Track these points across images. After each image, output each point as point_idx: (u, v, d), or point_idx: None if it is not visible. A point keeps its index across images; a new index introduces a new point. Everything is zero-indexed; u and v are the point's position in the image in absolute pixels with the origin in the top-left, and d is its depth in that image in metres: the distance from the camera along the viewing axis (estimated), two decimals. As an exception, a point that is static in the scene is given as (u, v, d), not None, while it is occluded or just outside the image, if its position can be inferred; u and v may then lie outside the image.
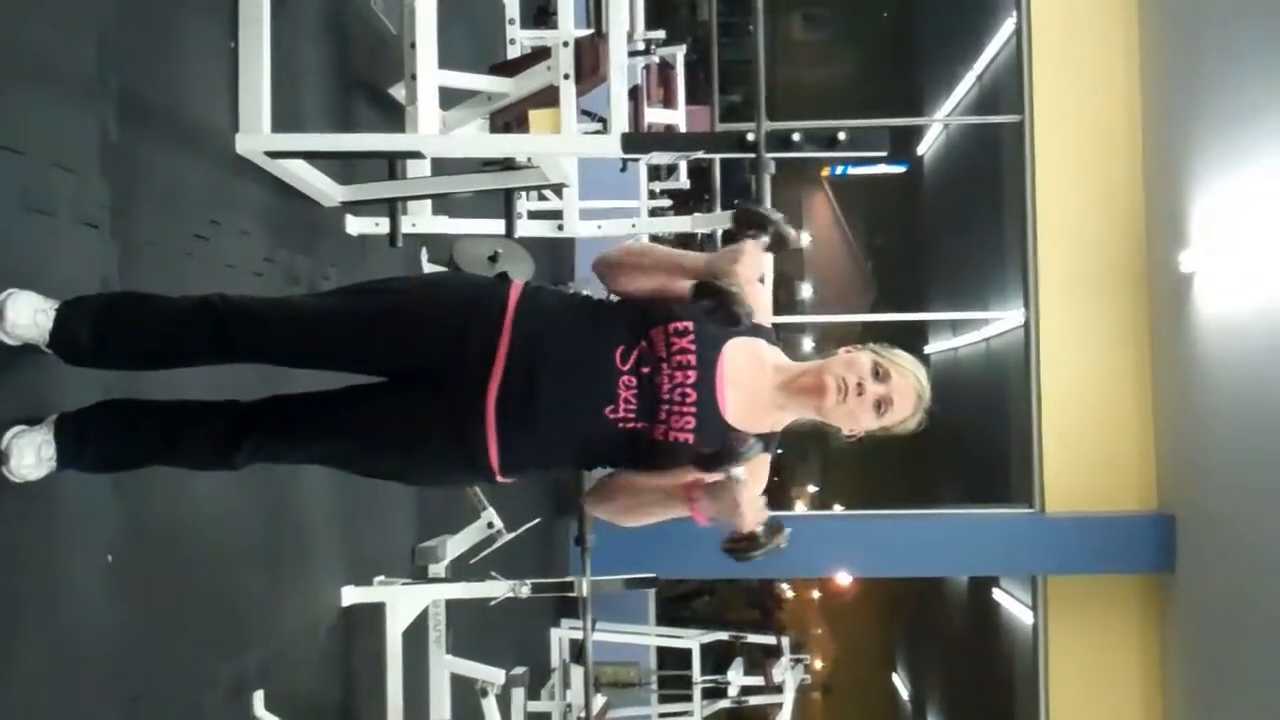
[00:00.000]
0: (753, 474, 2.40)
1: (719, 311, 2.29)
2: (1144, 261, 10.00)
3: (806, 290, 22.55)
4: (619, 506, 2.56)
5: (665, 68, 7.69)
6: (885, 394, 2.48)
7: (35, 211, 2.66)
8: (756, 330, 2.50)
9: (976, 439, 13.18)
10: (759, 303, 2.48)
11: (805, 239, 22.01)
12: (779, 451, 2.64)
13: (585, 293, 2.58)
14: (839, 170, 20.64)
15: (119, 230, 2.99)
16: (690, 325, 2.39)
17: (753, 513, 2.31)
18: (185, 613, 3.41)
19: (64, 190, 2.77)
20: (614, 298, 2.55)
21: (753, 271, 2.35)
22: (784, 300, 18.44)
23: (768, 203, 4.09)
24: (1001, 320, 11.66)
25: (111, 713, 2.95)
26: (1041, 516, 10.09)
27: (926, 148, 16.77)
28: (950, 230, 16.51)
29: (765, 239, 2.41)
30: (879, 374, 2.48)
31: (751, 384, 2.46)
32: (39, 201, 2.67)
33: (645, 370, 2.37)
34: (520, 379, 2.38)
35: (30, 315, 2.46)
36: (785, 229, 2.43)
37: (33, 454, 2.49)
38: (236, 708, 3.76)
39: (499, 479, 2.48)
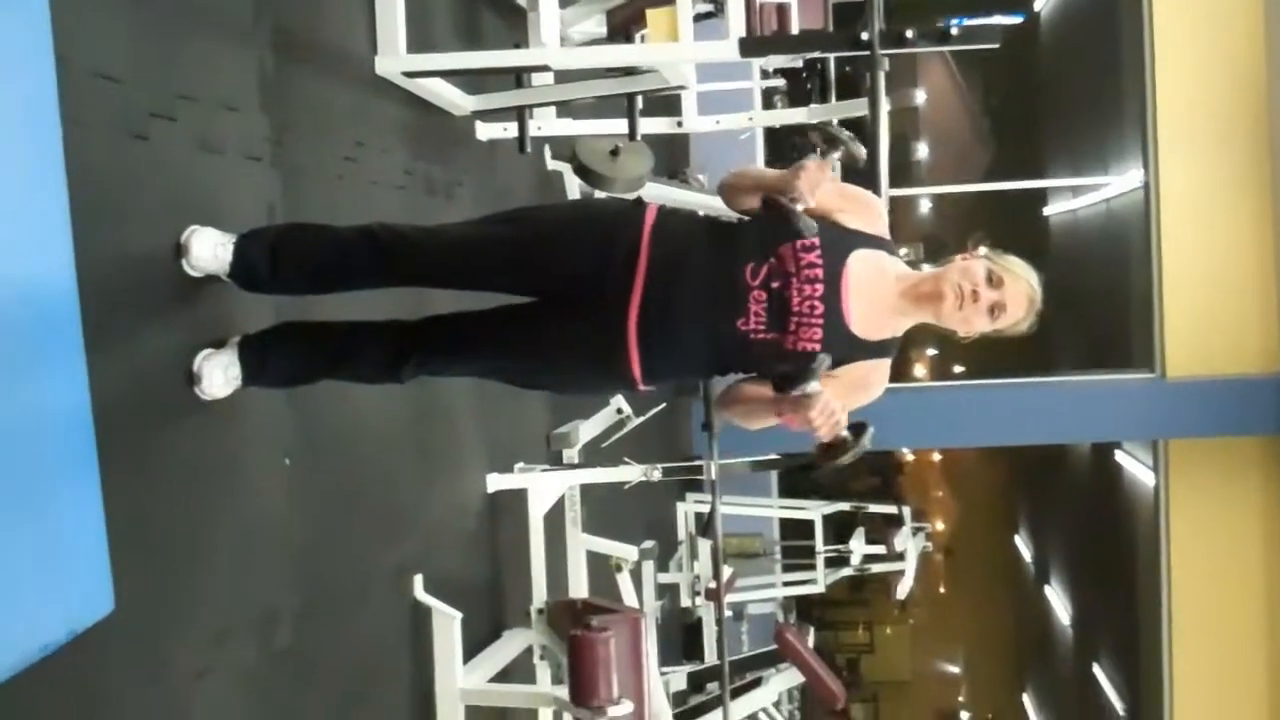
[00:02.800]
0: (866, 380, 2.64)
1: (780, 225, 2.50)
2: (1266, 120, 9.83)
3: (923, 151, 22.32)
4: (739, 412, 2.76)
5: (776, -54, 7.69)
6: (999, 299, 2.61)
7: (209, 151, 2.91)
8: (878, 242, 2.64)
9: (1096, 303, 13.11)
10: (865, 216, 2.63)
11: (920, 98, 21.74)
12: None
13: (710, 214, 2.75)
14: (953, 22, 20.27)
15: (279, 160, 3.24)
16: (816, 241, 2.52)
17: (829, 423, 2.46)
18: (352, 507, 3.72)
19: (230, 129, 3.02)
20: (740, 218, 2.71)
21: (813, 186, 2.49)
22: (898, 163, 18.30)
23: (883, 98, 4.23)
24: (1120, 183, 11.53)
25: (293, 597, 3.27)
26: (1163, 381, 10.08)
27: (1044, 3, 16.42)
28: (1068, 90, 16.20)
29: (834, 154, 2.59)
30: (992, 280, 2.61)
31: (874, 293, 2.60)
32: (211, 141, 2.91)
33: (775, 285, 2.53)
34: (658, 296, 2.57)
35: (211, 249, 2.72)
36: (855, 146, 2.61)
37: (220, 374, 2.77)
38: (399, 590, 4.10)
39: (641, 388, 2.70)
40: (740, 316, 2.55)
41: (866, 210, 2.64)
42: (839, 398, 2.52)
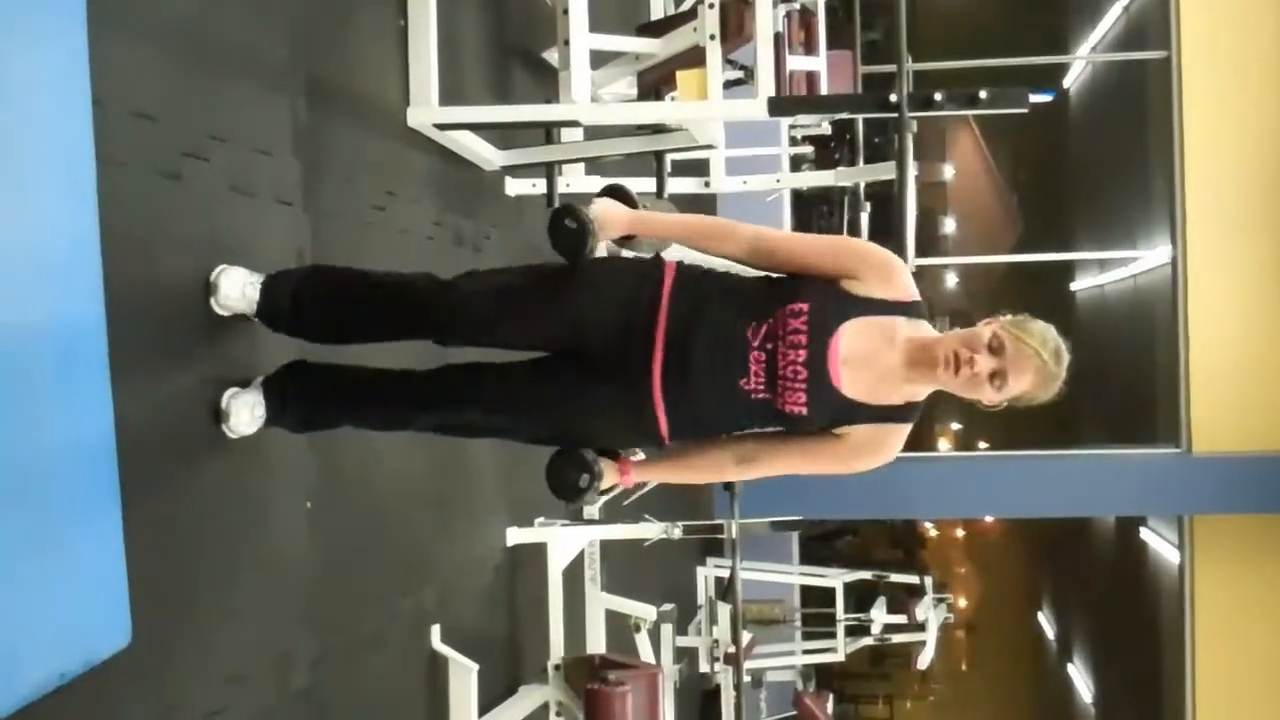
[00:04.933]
0: (875, 442, 2.62)
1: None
2: (1293, 199, 9.86)
3: (950, 226, 22.34)
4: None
5: (806, 13, 7.76)
6: (998, 368, 2.51)
7: (240, 193, 2.94)
8: (890, 307, 2.57)
9: (1122, 378, 13.07)
10: (880, 281, 2.57)
11: (948, 172, 21.79)
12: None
13: (725, 271, 2.75)
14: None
15: (310, 205, 3.27)
16: (805, 307, 2.52)
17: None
18: (372, 553, 3.73)
19: (262, 171, 3.06)
20: (755, 275, 2.71)
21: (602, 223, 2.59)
22: (926, 236, 18.33)
23: (910, 161, 4.25)
24: (1148, 257, 11.52)
25: (310, 640, 3.26)
26: (1188, 456, 10.02)
27: (1072, 80, 16.49)
28: (1097, 165, 16.24)
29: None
30: (994, 347, 2.51)
31: (875, 359, 2.55)
32: (242, 183, 2.95)
33: (769, 346, 2.54)
34: (678, 354, 2.58)
35: (239, 289, 2.75)
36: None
37: (247, 412, 2.79)
38: (416, 639, 4.09)
39: (668, 444, 2.71)
40: (743, 376, 2.56)
41: (882, 274, 2.58)
42: (844, 458, 2.63)
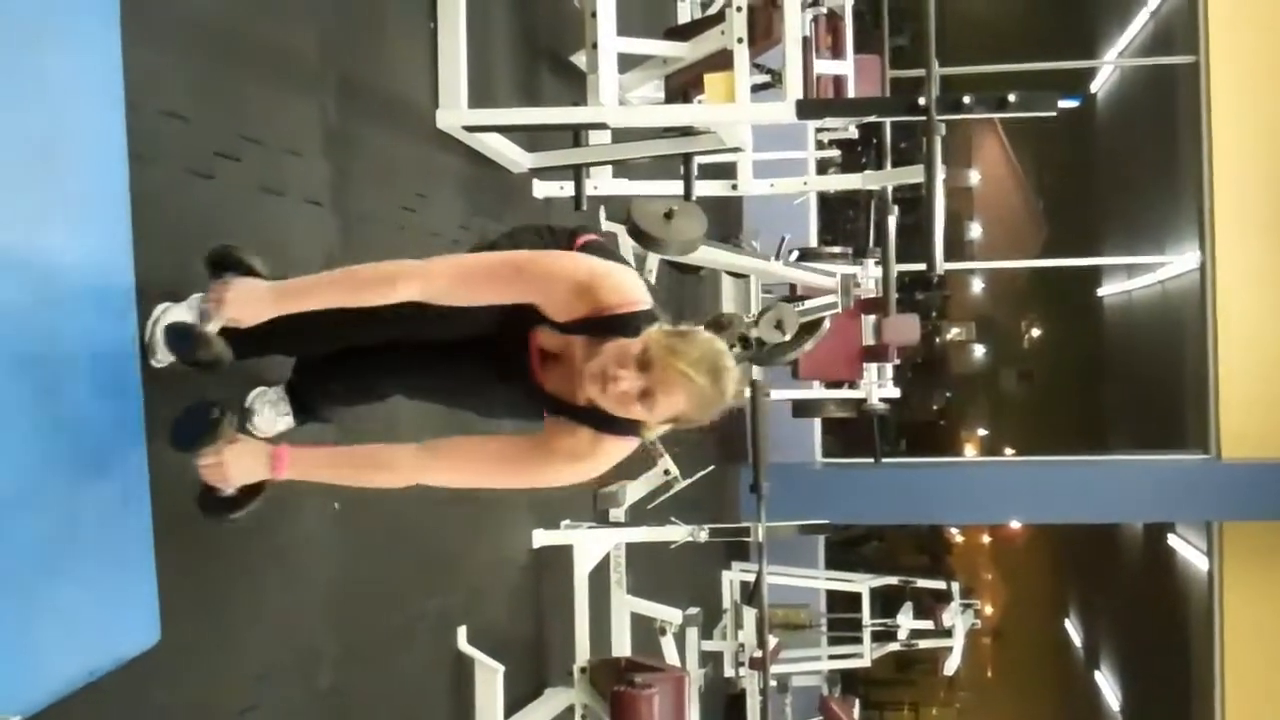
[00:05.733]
0: (569, 449, 2.48)
1: None
2: (1323, 204, 9.82)
3: (976, 231, 22.30)
4: None
5: (833, 17, 7.75)
6: (644, 388, 2.29)
7: (270, 193, 2.95)
8: (570, 328, 2.42)
9: (1151, 384, 13.02)
10: (552, 300, 2.40)
11: (974, 178, 21.74)
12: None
13: None
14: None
15: (339, 206, 3.28)
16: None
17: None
18: (399, 554, 3.73)
19: (293, 172, 3.07)
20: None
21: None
22: (952, 241, 18.29)
23: (939, 164, 4.23)
24: (1176, 263, 11.48)
25: (337, 640, 3.27)
26: (1217, 462, 9.98)
27: (1100, 85, 16.44)
28: (1124, 170, 16.19)
29: None
30: (644, 364, 2.29)
31: (564, 361, 2.47)
32: (273, 184, 2.97)
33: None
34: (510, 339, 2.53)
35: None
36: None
37: (270, 411, 2.82)
38: (443, 639, 4.09)
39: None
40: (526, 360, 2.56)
41: (559, 297, 2.39)
42: (528, 451, 2.50)
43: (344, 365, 2.73)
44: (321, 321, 2.41)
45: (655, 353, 2.27)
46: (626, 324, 2.36)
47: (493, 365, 2.58)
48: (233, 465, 2.31)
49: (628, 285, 2.41)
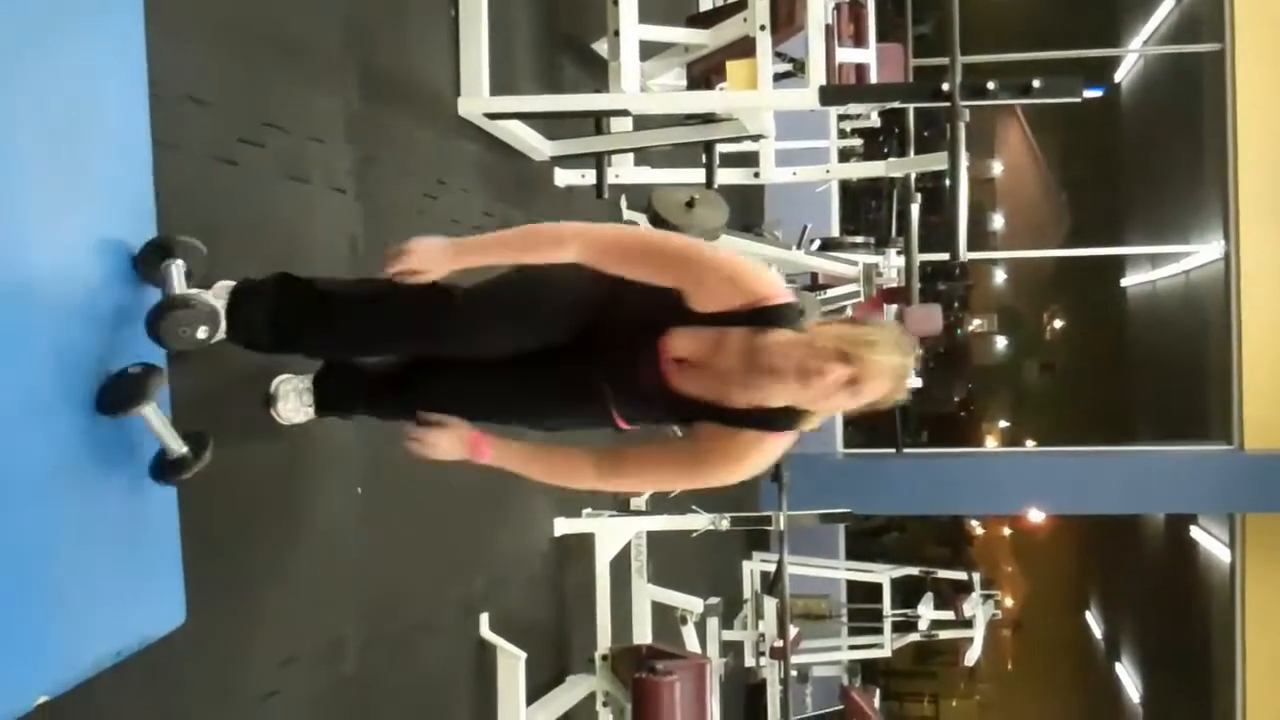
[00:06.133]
0: (728, 449, 2.51)
1: None
2: (1349, 194, 9.76)
3: (998, 221, 22.21)
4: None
5: (856, 5, 7.73)
6: (853, 375, 2.34)
7: (294, 179, 2.97)
8: (723, 318, 2.43)
9: (1174, 375, 12.96)
10: (714, 294, 2.42)
11: (997, 169, 21.66)
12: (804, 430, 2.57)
13: None
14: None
15: (363, 193, 3.29)
16: (637, 306, 2.49)
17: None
18: (421, 541, 3.75)
19: (316, 159, 3.08)
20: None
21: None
22: (974, 232, 18.21)
23: (963, 150, 4.23)
24: (1201, 253, 11.43)
25: (360, 626, 3.29)
26: (1241, 453, 9.94)
27: (1124, 74, 16.35)
28: (1148, 160, 16.11)
29: None
30: (842, 356, 2.33)
31: (712, 363, 2.45)
32: (297, 171, 2.98)
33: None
34: (605, 337, 2.55)
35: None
36: None
37: (295, 399, 2.83)
38: (465, 626, 4.11)
39: (624, 427, 2.65)
40: (648, 366, 2.51)
41: (717, 286, 2.41)
42: (694, 463, 2.55)
43: (407, 382, 2.79)
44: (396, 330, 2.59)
45: (852, 345, 2.33)
46: (783, 315, 2.42)
47: (570, 376, 2.60)
48: (439, 442, 2.59)
49: (773, 278, 2.48)
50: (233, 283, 2.53)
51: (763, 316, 2.41)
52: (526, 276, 2.59)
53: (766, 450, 2.52)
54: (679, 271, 2.43)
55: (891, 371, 2.37)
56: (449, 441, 2.60)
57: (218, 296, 2.45)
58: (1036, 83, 4.00)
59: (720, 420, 2.48)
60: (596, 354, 2.55)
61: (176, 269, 2.18)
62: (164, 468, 2.19)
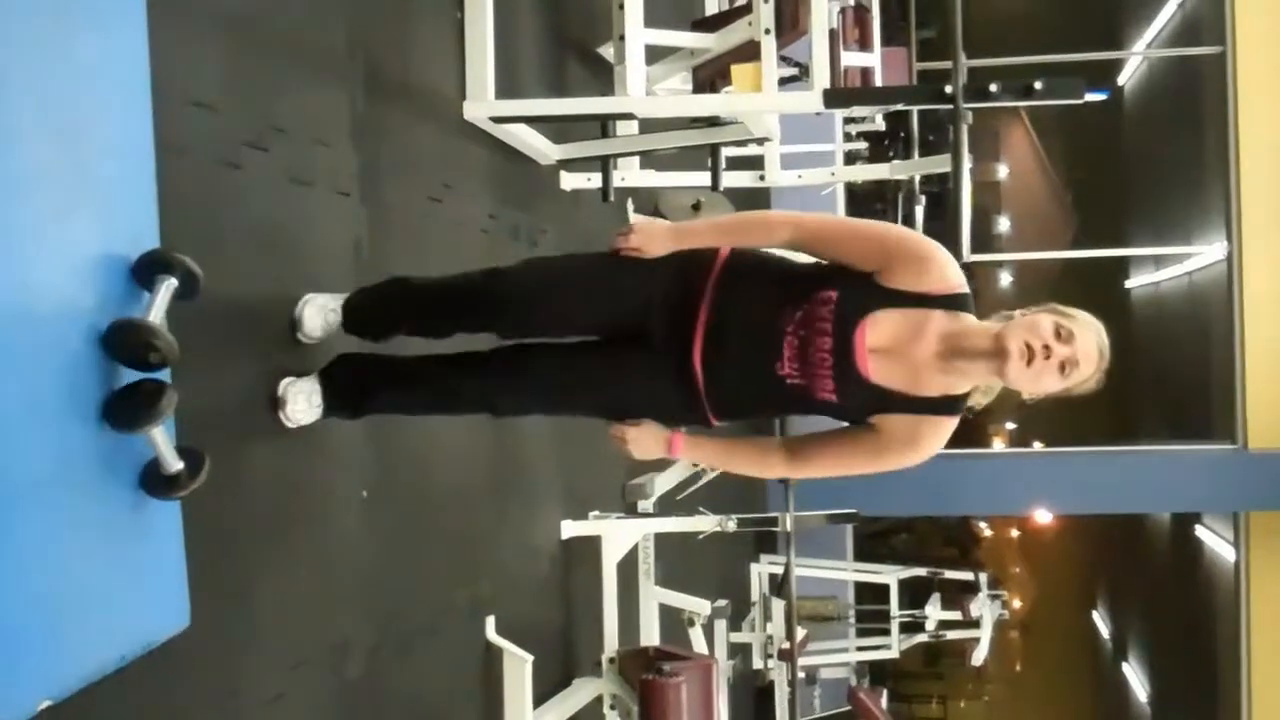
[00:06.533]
0: (912, 435, 2.59)
1: None
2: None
3: (1004, 225, 22.20)
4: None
5: (861, 10, 7.73)
6: (1070, 355, 2.47)
7: (299, 183, 2.97)
8: (925, 300, 2.54)
9: (1178, 375, 12.96)
10: (913, 274, 2.53)
11: (1002, 171, 21.65)
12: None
13: (781, 256, 2.77)
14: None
15: (367, 196, 3.29)
16: (834, 295, 2.54)
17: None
18: (427, 543, 3.75)
19: (321, 163, 3.08)
20: (814, 262, 2.71)
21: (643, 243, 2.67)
22: (980, 235, 18.21)
23: (965, 152, 4.23)
24: (1204, 254, 11.44)
25: (366, 629, 3.28)
26: (1245, 452, 9.96)
27: (1127, 78, 16.35)
28: (1152, 162, 16.12)
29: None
30: (1061, 335, 2.47)
31: (906, 351, 2.54)
32: (301, 174, 2.98)
33: (803, 332, 2.55)
34: (716, 336, 2.63)
35: (322, 316, 2.89)
36: None
37: (304, 400, 2.82)
38: (471, 629, 4.11)
39: (714, 423, 2.74)
40: (777, 359, 2.58)
41: (917, 268, 2.54)
42: (879, 450, 2.62)
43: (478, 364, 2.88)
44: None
45: (1066, 324, 2.49)
46: (968, 302, 2.58)
47: (661, 367, 2.70)
48: (641, 439, 2.73)
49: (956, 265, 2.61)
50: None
51: (957, 302, 2.55)
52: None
53: (945, 433, 2.64)
54: (883, 253, 2.55)
55: (1098, 353, 2.52)
56: (650, 439, 2.73)
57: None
58: (1038, 84, 4.00)
59: (908, 410, 2.57)
60: (686, 346, 2.65)
61: (166, 288, 2.15)
62: (156, 482, 2.18)
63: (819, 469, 2.73)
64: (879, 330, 2.53)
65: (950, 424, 2.62)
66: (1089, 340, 2.51)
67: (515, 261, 2.89)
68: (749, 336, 2.60)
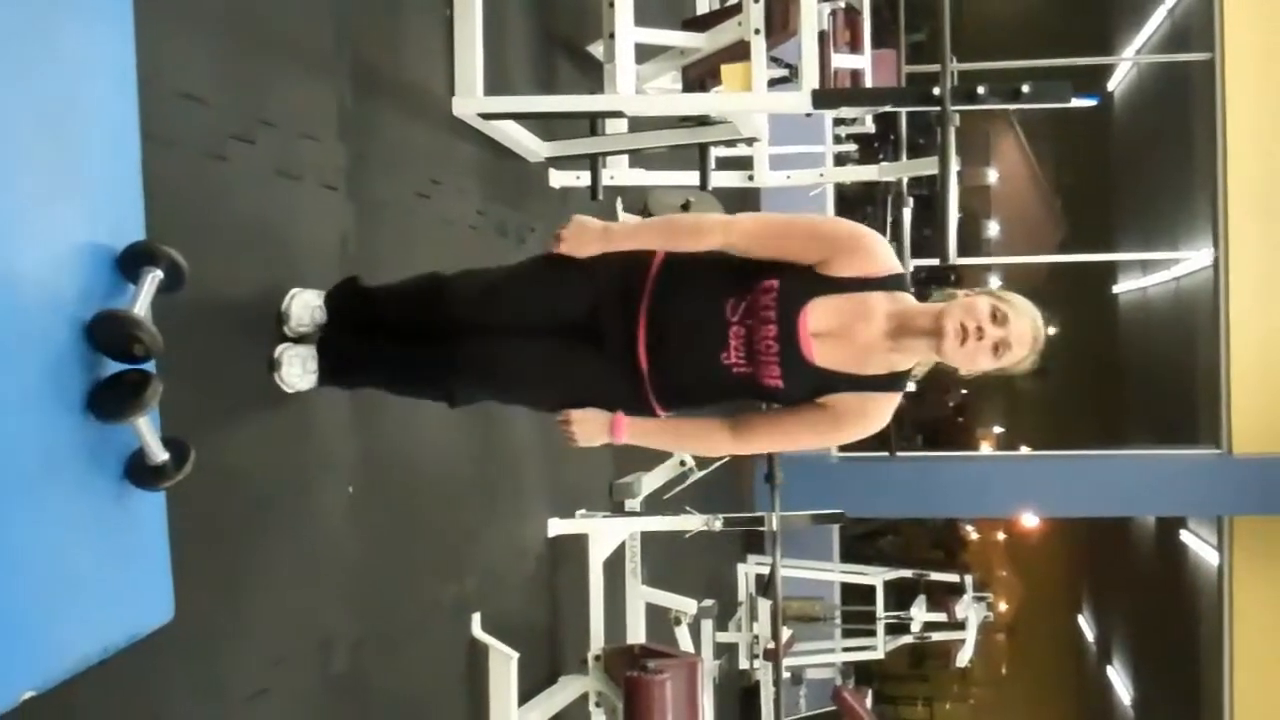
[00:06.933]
0: (860, 411, 2.68)
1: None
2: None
3: (993, 229, 22.24)
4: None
5: (851, 12, 7.73)
6: (1003, 337, 2.59)
7: (286, 177, 2.96)
8: (863, 284, 2.63)
9: (1164, 379, 13.00)
10: (850, 261, 2.62)
11: (992, 176, 21.69)
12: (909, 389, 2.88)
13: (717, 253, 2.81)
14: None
15: (354, 192, 3.29)
16: (775, 284, 2.62)
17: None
18: (413, 540, 3.74)
19: (308, 157, 3.08)
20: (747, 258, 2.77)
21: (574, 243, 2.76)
22: (969, 239, 18.25)
23: (953, 154, 4.25)
24: (1191, 260, 11.48)
25: (351, 625, 3.28)
26: (1229, 457, 10.00)
27: (1117, 83, 16.39)
28: (1141, 168, 16.16)
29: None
30: (996, 317, 2.58)
31: (850, 332, 2.62)
32: (289, 168, 2.97)
33: (749, 322, 2.63)
34: (658, 330, 2.70)
35: (309, 311, 2.94)
36: None
37: (299, 365, 2.89)
38: (457, 626, 4.11)
39: (660, 413, 2.81)
40: (723, 349, 2.66)
41: (853, 256, 2.63)
42: (827, 427, 2.71)
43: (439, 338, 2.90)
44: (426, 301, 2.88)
45: (1002, 307, 2.60)
46: (904, 282, 2.70)
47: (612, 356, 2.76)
48: (582, 428, 2.79)
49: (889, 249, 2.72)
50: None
51: (894, 283, 2.66)
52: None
53: (893, 407, 2.74)
54: (818, 244, 2.64)
55: (1031, 342, 2.63)
56: (593, 426, 2.78)
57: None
58: (1025, 88, 4.01)
59: (855, 388, 2.66)
60: (630, 341, 2.72)
61: (151, 280, 2.15)
62: (142, 473, 2.17)
63: (764, 444, 2.83)
64: (820, 315, 2.61)
65: (896, 398, 2.73)
66: (1023, 324, 2.61)
67: (454, 271, 2.96)
68: (693, 328, 2.68)
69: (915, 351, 2.66)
